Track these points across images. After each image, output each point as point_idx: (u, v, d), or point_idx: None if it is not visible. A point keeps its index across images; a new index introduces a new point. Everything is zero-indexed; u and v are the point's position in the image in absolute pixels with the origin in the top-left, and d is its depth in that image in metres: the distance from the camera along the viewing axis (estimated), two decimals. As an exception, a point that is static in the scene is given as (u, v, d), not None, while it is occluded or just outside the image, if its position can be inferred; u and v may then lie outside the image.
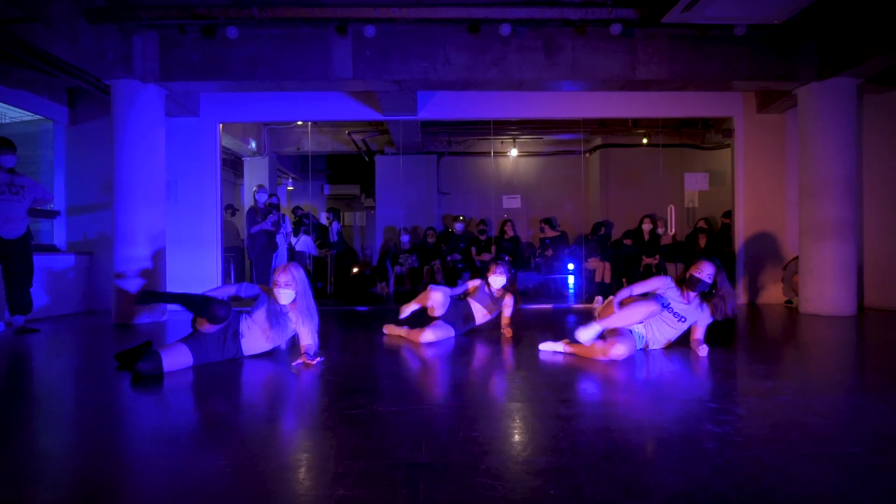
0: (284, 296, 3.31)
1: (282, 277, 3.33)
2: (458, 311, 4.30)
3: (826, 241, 5.67)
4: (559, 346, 3.60)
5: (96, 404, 2.60)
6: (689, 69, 5.53)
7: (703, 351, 3.48)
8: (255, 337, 3.39)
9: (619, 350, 3.30)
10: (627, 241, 7.61)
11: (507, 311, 4.41)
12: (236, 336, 3.32)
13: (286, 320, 3.36)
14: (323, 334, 4.01)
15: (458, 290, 4.47)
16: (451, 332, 4.25)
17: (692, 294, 3.53)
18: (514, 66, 5.50)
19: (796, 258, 6.30)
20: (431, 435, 2.02)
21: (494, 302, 4.39)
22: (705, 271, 3.45)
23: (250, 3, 4.73)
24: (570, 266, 8.67)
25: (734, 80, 5.66)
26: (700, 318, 3.60)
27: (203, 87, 5.83)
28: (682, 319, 3.55)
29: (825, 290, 5.66)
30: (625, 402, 2.55)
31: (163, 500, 1.54)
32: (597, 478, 1.63)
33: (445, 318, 4.24)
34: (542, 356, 3.52)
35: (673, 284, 3.59)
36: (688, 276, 3.50)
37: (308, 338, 3.31)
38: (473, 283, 4.52)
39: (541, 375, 3.07)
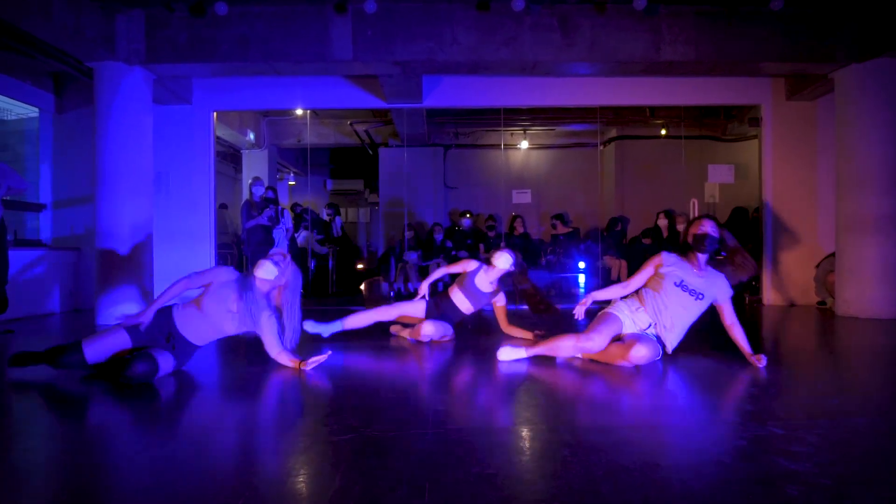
0: (266, 269, 2.83)
1: (275, 256, 2.91)
2: (444, 310, 3.89)
3: (867, 238, 5.21)
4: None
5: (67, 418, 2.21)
6: (717, 50, 5.09)
7: (761, 362, 2.89)
8: (206, 317, 2.80)
9: (640, 352, 2.84)
10: (646, 241, 7.19)
11: (499, 302, 3.94)
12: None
13: (258, 301, 2.80)
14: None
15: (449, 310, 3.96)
16: (450, 328, 3.87)
17: (703, 260, 3.00)
18: (527, 47, 5.08)
19: (830, 256, 5.85)
20: (436, 470, 1.60)
21: (486, 294, 3.87)
22: (707, 226, 2.97)
23: (241, -26, 4.33)
24: (582, 265, 8.25)
25: (766, 62, 5.23)
26: (720, 293, 3.00)
27: (192, 69, 5.45)
28: (700, 297, 2.96)
29: (865, 291, 5.20)
30: (670, 428, 2.13)
31: None
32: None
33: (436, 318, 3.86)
34: (559, 362, 3.09)
35: (676, 258, 3.06)
36: (690, 237, 3.00)
37: (273, 342, 2.84)
38: (466, 267, 3.93)
39: (561, 391, 2.65)
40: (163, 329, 2.76)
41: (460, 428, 2.07)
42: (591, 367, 3.00)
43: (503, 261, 3.78)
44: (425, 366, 3.28)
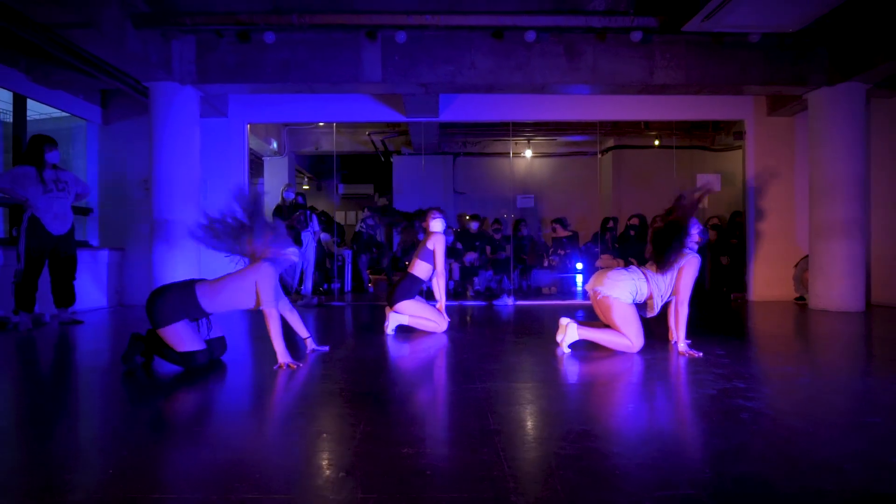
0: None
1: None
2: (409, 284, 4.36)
3: (835, 240, 5.89)
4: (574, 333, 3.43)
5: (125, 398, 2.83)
6: (705, 74, 5.76)
7: (683, 347, 3.32)
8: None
9: (639, 339, 3.35)
10: (634, 221, 7.80)
11: (438, 257, 4.35)
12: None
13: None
14: (325, 332, 4.22)
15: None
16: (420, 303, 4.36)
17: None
18: (536, 71, 5.73)
19: (806, 256, 6.53)
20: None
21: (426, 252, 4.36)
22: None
23: (290, 10, 4.96)
24: (579, 265, 8.91)
25: (748, 85, 5.89)
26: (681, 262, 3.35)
27: (236, 88, 6.07)
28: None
29: (834, 287, 5.89)
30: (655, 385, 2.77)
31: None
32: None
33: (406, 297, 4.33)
34: (558, 353, 3.46)
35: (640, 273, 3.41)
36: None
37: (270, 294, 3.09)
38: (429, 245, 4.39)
39: (577, 393, 2.98)
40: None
41: (478, 456, 2.70)
42: (596, 357, 3.63)
43: (436, 226, 4.41)
44: (433, 366, 3.89)
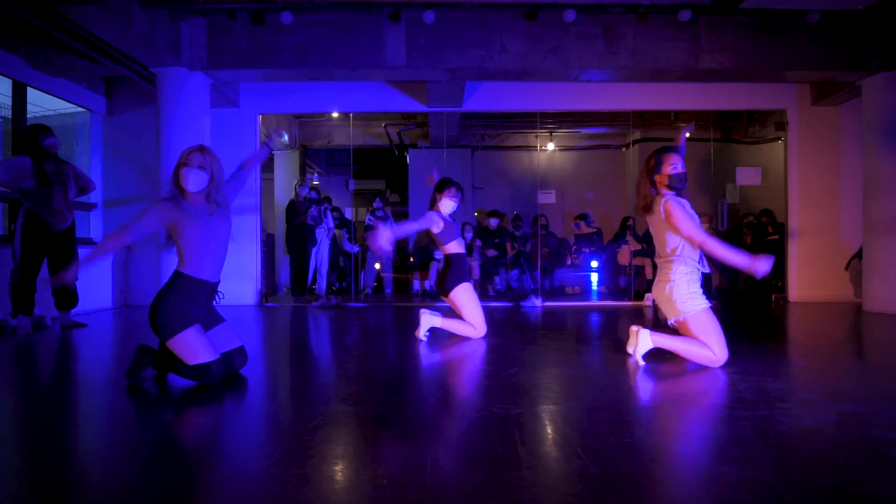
0: (193, 180, 2.65)
1: (193, 157, 2.69)
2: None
3: (893, 238, 5.47)
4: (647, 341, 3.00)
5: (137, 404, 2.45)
6: (754, 59, 5.34)
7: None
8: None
9: (723, 350, 2.89)
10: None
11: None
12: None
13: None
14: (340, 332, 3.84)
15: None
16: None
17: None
18: (572, 55, 5.32)
19: (857, 256, 6.12)
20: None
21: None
22: (680, 162, 2.96)
23: (309, -14, 4.57)
24: (594, 263, 8.50)
25: (800, 70, 5.47)
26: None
27: (249, 75, 5.67)
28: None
29: (893, 288, 5.46)
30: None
31: None
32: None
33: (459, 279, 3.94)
34: (630, 364, 3.10)
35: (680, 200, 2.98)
36: (670, 178, 2.93)
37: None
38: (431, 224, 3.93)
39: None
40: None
41: None
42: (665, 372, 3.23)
43: (448, 206, 4.03)
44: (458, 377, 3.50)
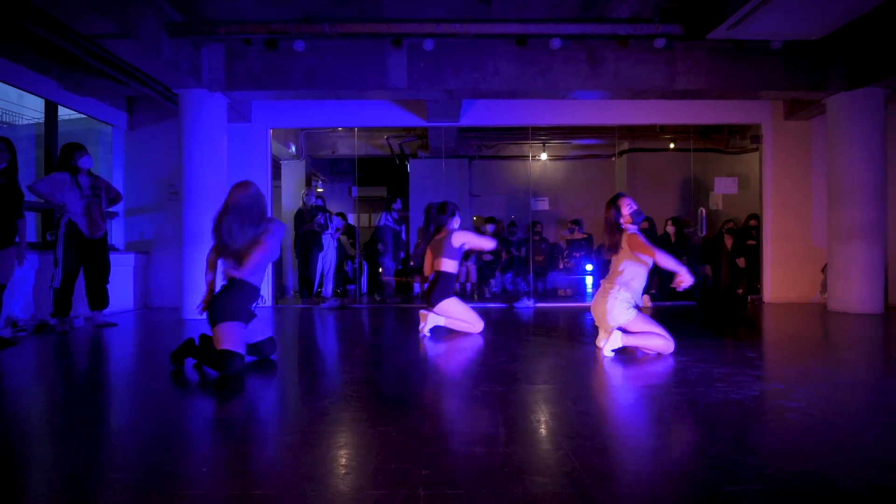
0: None
1: None
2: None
3: (854, 243, 5.97)
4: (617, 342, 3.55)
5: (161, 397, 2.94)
6: (725, 80, 5.84)
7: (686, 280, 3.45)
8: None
9: (668, 335, 3.51)
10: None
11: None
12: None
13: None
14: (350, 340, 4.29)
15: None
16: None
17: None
18: (559, 77, 5.83)
19: (825, 259, 6.61)
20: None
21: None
22: (633, 202, 3.68)
23: (321, 19, 5.07)
24: (589, 267, 9.00)
25: (768, 90, 5.97)
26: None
27: (262, 95, 6.17)
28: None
29: (853, 289, 5.96)
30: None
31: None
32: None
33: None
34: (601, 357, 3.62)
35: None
36: (629, 218, 3.63)
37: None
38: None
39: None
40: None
41: None
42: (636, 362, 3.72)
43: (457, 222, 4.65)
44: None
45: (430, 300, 4.40)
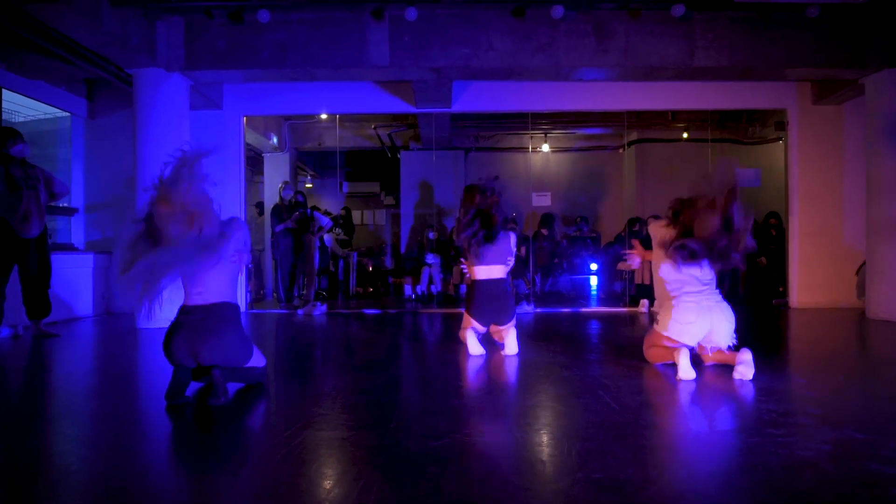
0: None
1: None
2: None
3: (897, 241, 5.26)
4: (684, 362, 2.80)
5: (117, 415, 2.27)
6: (751, 55, 5.14)
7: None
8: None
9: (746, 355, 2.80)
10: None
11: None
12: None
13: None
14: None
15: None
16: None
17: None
18: (561, 52, 5.13)
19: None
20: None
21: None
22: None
23: (285, -18, 4.39)
24: (594, 266, 8.32)
25: (799, 67, 5.27)
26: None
27: (229, 76, 5.51)
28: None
29: (896, 294, 5.25)
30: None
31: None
32: None
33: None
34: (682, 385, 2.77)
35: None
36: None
37: None
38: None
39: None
40: None
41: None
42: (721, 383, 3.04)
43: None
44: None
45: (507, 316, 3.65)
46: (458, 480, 1.61)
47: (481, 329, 3.65)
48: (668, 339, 2.99)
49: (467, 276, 3.78)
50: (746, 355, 2.77)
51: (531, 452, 1.87)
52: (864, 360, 3.70)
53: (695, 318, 2.92)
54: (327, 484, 1.63)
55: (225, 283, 2.64)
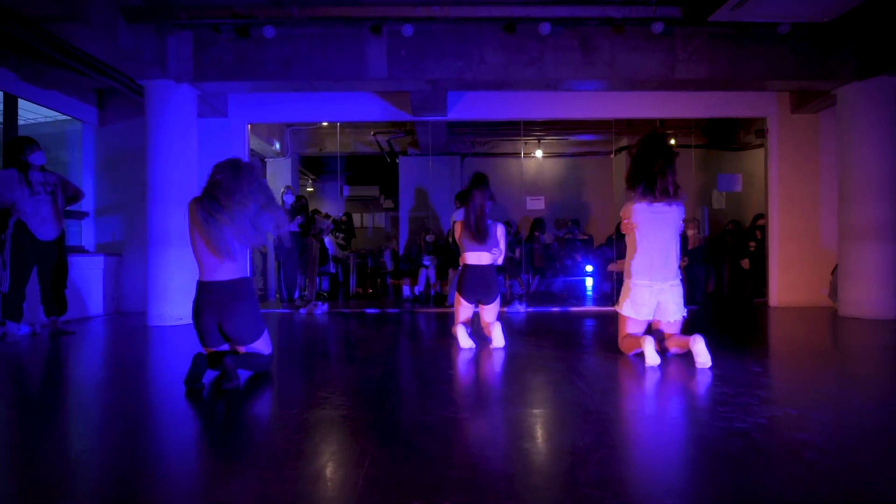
0: None
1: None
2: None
3: (867, 244, 5.56)
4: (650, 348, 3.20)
5: (133, 411, 2.56)
6: (730, 69, 5.44)
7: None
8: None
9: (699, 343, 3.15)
10: None
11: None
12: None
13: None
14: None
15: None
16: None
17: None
18: (549, 66, 5.44)
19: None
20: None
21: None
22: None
23: (290, 2, 4.69)
24: (589, 268, 8.60)
25: (775, 80, 5.58)
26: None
27: (235, 87, 5.81)
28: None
29: (866, 294, 5.55)
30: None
31: None
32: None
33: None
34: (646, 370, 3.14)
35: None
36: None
37: None
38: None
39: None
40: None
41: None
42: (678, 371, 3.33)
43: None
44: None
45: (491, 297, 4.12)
46: (443, 445, 1.91)
47: (468, 314, 4.14)
48: (630, 321, 3.43)
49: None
50: (699, 342, 3.12)
51: (507, 424, 2.17)
52: (823, 352, 3.99)
53: (647, 300, 3.38)
54: (330, 449, 1.92)
55: (241, 259, 2.95)
